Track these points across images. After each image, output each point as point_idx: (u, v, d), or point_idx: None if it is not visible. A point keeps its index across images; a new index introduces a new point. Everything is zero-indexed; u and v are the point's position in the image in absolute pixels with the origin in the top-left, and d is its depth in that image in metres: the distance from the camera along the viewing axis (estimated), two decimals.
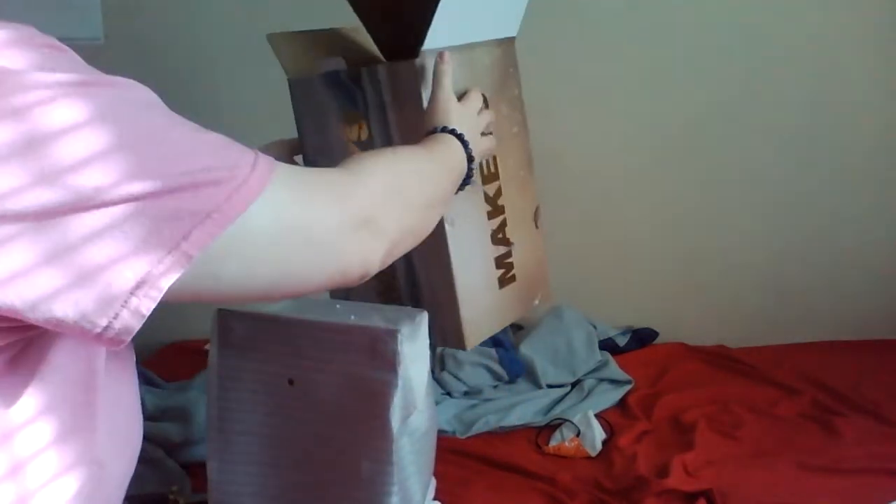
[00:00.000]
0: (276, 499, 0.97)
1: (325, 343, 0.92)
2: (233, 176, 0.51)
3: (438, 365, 1.69)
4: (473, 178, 0.88)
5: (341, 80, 1.01)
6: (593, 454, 1.40)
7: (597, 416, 1.50)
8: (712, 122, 1.86)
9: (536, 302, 1.14)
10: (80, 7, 1.67)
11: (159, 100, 0.53)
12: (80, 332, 0.47)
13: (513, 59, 1.05)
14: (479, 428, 1.49)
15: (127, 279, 0.47)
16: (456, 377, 1.66)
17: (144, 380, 1.58)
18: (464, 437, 1.48)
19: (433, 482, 1.11)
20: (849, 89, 1.86)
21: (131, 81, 0.52)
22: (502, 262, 1.05)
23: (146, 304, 0.48)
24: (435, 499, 1.14)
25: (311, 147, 1.08)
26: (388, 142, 0.99)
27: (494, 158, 1.02)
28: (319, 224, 0.58)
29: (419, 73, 0.92)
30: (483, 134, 0.93)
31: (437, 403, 1.47)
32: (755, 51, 1.83)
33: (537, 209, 1.12)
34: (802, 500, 1.21)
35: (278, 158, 0.87)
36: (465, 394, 1.65)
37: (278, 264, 0.55)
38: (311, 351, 0.92)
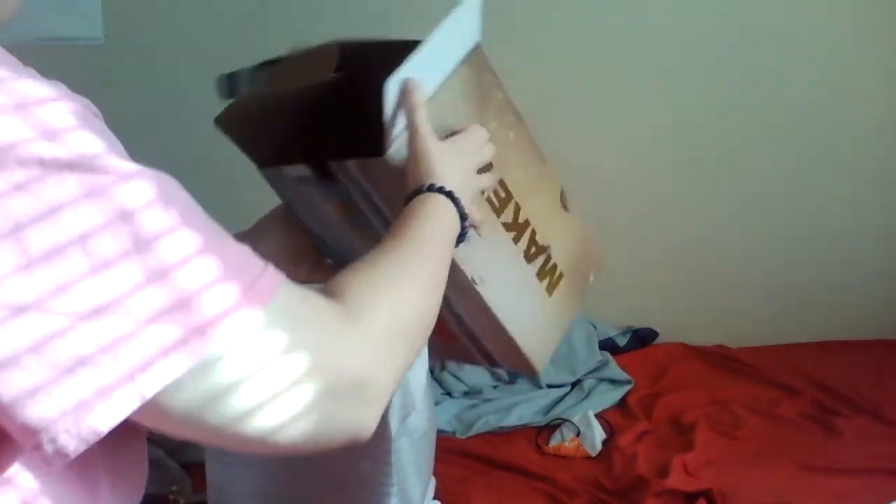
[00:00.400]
0: (275, 499, 0.97)
1: None
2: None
3: (438, 365, 1.69)
4: (468, 235, 0.79)
5: (314, 181, 0.92)
6: (593, 454, 1.40)
7: (597, 416, 1.50)
8: (712, 122, 1.86)
9: (591, 278, 1.10)
10: (80, 7, 1.67)
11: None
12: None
13: (484, 65, 0.95)
14: (479, 428, 1.49)
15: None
16: (456, 377, 1.66)
17: None
18: (464, 437, 1.48)
19: (433, 482, 1.11)
20: (849, 90, 1.87)
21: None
22: (544, 271, 1.01)
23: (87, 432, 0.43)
24: (435, 498, 1.14)
25: (308, 221, 1.01)
26: (381, 217, 0.95)
27: (501, 183, 0.96)
28: (302, 384, 0.49)
29: (396, 169, 0.81)
30: (480, 171, 0.84)
31: (436, 403, 1.47)
32: (755, 52, 1.83)
33: (562, 192, 1.06)
34: (802, 500, 1.21)
35: (277, 231, 0.82)
36: (465, 394, 1.65)
37: (240, 406, 0.48)
38: None
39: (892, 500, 1.12)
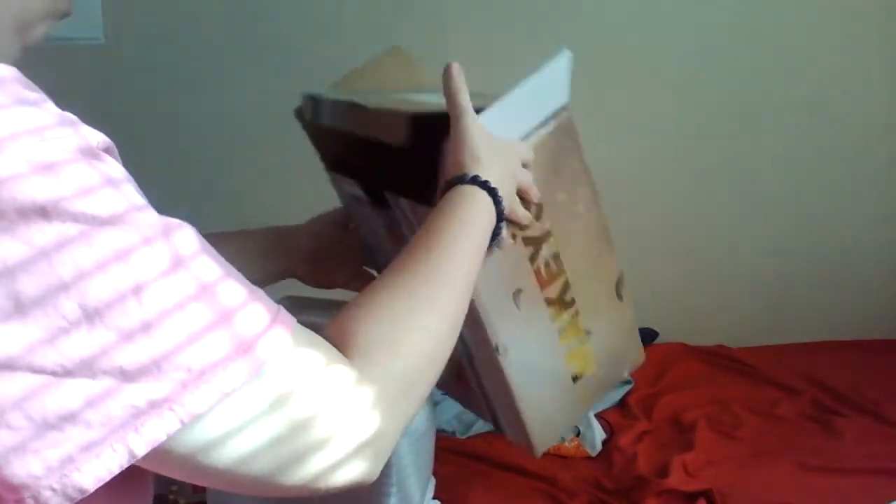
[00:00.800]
0: (275, 500, 0.97)
1: None
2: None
3: None
4: (502, 237, 0.74)
5: (368, 202, 0.93)
6: (593, 454, 1.40)
7: (597, 416, 1.50)
8: (712, 122, 1.86)
9: (626, 374, 1.03)
10: (80, 7, 1.67)
11: None
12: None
13: (567, 130, 0.88)
14: (479, 428, 1.49)
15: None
16: None
17: None
18: (464, 437, 1.48)
19: (432, 482, 1.11)
20: (849, 90, 1.87)
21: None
22: (576, 356, 0.94)
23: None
24: (434, 498, 1.14)
25: (362, 228, 0.99)
26: None
27: (555, 255, 0.90)
28: (307, 438, 0.48)
29: None
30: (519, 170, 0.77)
31: (436, 404, 1.47)
32: (754, 53, 1.83)
33: (620, 278, 0.98)
34: (802, 500, 1.21)
35: (325, 235, 0.80)
36: None
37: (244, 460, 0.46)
38: None
39: (892, 501, 1.12)
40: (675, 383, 1.65)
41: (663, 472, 1.28)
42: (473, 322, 0.90)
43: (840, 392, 1.58)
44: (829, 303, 1.94)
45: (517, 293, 0.88)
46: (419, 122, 0.79)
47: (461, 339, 0.93)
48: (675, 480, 1.25)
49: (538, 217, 0.87)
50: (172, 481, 1.23)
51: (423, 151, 0.77)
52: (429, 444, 1.04)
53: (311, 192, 1.89)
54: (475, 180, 0.68)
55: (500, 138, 0.74)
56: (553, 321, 0.91)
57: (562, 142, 0.88)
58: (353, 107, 0.89)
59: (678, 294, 1.93)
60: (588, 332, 0.94)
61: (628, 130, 1.86)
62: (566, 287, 0.92)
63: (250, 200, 1.83)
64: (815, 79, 1.85)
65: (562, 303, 0.93)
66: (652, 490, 1.23)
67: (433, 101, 0.85)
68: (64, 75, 1.70)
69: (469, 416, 1.54)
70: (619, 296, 0.98)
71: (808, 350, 1.82)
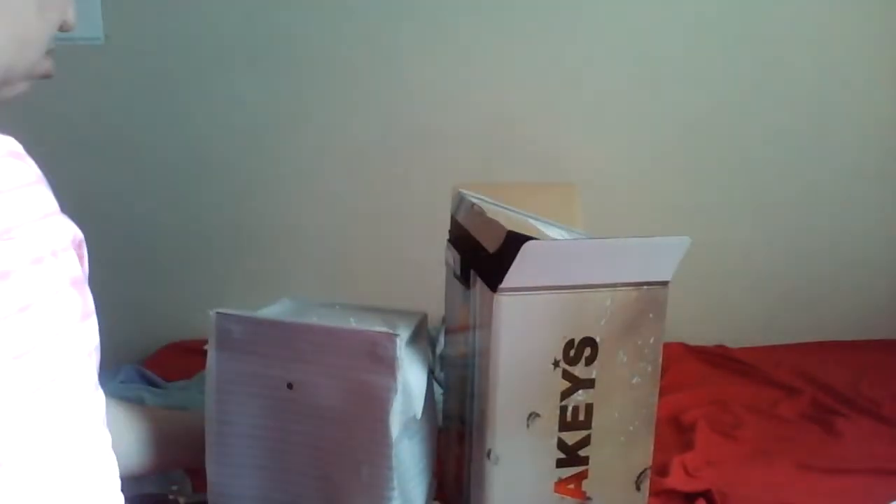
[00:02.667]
0: (276, 502, 0.97)
1: (324, 347, 0.91)
2: None
3: (438, 364, 1.69)
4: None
5: (458, 276, 0.99)
6: None
7: None
8: (711, 121, 1.86)
9: None
10: (80, 7, 1.67)
11: None
12: None
13: (657, 305, 0.93)
14: None
15: None
16: None
17: (144, 380, 1.58)
18: None
19: (434, 484, 1.11)
20: (849, 89, 1.87)
21: None
22: None
23: None
24: (436, 499, 1.13)
25: (446, 292, 1.09)
26: (472, 352, 0.95)
27: (589, 407, 0.90)
28: None
29: (495, 307, 0.86)
30: None
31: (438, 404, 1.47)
32: (754, 52, 1.83)
33: (645, 471, 0.97)
34: (802, 500, 1.21)
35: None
36: None
37: None
38: (310, 355, 0.92)
39: (893, 501, 1.12)
40: (675, 383, 1.65)
41: (663, 471, 1.28)
42: (481, 417, 0.91)
43: (840, 392, 1.58)
44: (829, 303, 1.94)
45: (533, 415, 0.89)
46: (510, 236, 0.86)
47: (471, 436, 0.96)
48: (675, 480, 1.24)
49: (590, 362, 0.89)
50: (173, 481, 1.22)
51: (506, 258, 0.84)
52: (430, 447, 1.04)
53: (312, 192, 1.90)
54: None
55: None
56: (557, 467, 0.91)
57: (644, 310, 0.92)
58: (475, 208, 0.98)
59: (678, 294, 1.92)
60: (588, 499, 0.94)
61: (629, 132, 1.86)
62: (584, 443, 0.91)
63: (252, 201, 1.84)
64: (815, 78, 1.85)
65: (573, 455, 0.92)
66: (652, 490, 1.22)
67: (544, 229, 0.96)
68: (64, 75, 1.71)
69: None
70: (638, 486, 0.97)
71: (809, 350, 1.82)
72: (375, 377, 0.89)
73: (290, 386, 0.93)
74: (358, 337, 0.90)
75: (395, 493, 0.90)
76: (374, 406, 0.89)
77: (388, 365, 0.88)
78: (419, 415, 0.94)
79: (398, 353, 0.88)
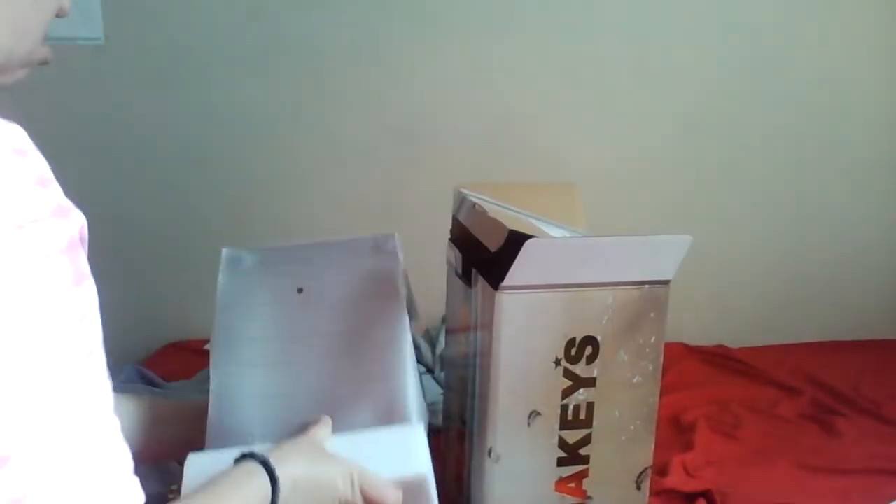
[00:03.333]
0: (281, 396, 0.96)
1: (332, 254, 0.99)
2: None
3: (438, 364, 1.69)
4: None
5: (459, 275, 1.01)
6: None
7: None
8: (712, 121, 1.86)
9: None
10: (80, 7, 1.67)
11: None
12: None
13: (658, 304, 0.93)
14: None
15: None
16: None
17: (145, 380, 1.58)
18: None
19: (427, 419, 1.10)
20: (849, 89, 1.87)
21: None
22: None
23: None
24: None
25: (447, 290, 1.11)
26: (473, 352, 0.95)
27: (590, 405, 0.91)
28: None
29: (497, 306, 0.86)
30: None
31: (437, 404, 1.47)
32: (754, 52, 1.83)
33: (646, 470, 0.98)
34: (802, 500, 1.21)
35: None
36: None
37: None
38: (318, 259, 0.99)
39: (893, 501, 1.12)
40: (675, 383, 1.65)
41: (663, 471, 1.28)
42: (482, 416, 0.91)
43: (840, 392, 1.58)
44: (829, 303, 1.94)
45: (534, 414, 0.90)
46: (512, 235, 0.87)
47: (471, 435, 0.96)
48: (675, 480, 1.25)
49: (591, 360, 0.89)
50: (172, 480, 1.22)
51: (507, 257, 0.85)
52: (423, 401, 1.04)
53: (312, 192, 1.90)
54: (254, 457, 0.70)
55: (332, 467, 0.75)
56: (557, 465, 0.92)
57: (646, 310, 0.93)
58: (476, 208, 1.00)
59: (678, 294, 1.93)
60: (589, 498, 0.94)
61: (629, 132, 1.86)
62: (584, 441, 0.92)
63: (252, 201, 1.84)
64: (815, 78, 1.85)
65: (574, 454, 0.93)
66: (652, 490, 1.22)
67: (545, 228, 0.96)
68: (64, 75, 1.71)
69: None
70: (638, 485, 0.98)
71: (808, 350, 1.82)
72: (382, 262, 0.97)
73: (300, 290, 0.96)
74: (362, 240, 1.00)
75: (411, 380, 0.89)
76: (385, 285, 0.94)
77: (392, 254, 0.97)
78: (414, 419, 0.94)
79: (398, 246, 0.98)
